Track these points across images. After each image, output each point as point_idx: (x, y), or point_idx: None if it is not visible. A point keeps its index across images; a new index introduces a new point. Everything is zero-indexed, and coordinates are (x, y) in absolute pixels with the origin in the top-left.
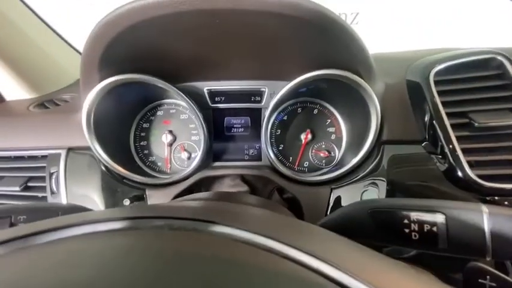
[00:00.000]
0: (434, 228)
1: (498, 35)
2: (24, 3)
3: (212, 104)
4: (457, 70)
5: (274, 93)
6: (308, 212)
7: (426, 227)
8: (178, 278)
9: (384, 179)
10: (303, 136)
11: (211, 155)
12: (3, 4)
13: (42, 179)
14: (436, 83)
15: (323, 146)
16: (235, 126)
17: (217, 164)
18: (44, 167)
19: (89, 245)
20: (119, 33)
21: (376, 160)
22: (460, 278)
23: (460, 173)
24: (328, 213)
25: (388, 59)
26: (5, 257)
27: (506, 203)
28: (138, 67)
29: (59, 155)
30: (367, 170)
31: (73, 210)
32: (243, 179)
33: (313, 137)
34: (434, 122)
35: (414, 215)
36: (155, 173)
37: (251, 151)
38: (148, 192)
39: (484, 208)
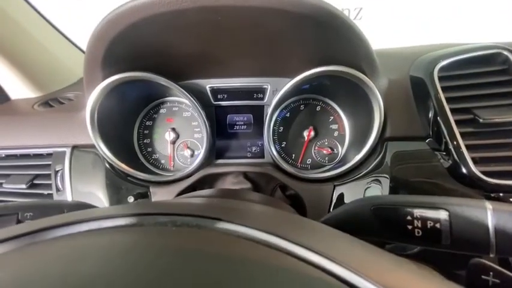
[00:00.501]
0: (438, 225)
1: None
2: (29, 3)
3: (215, 101)
4: (462, 65)
5: (277, 90)
6: (311, 209)
7: (429, 224)
8: (180, 274)
9: (387, 176)
10: (305, 133)
11: (214, 153)
12: (8, 4)
13: (48, 176)
14: (441, 78)
15: (326, 143)
16: (237, 123)
17: (220, 161)
18: (50, 164)
19: (94, 241)
20: (120, 32)
21: (380, 157)
22: (464, 275)
23: (464, 170)
24: (330, 210)
25: (391, 54)
26: (14, 252)
27: (511, 199)
28: (141, 65)
29: (64, 153)
30: (370, 167)
31: (78, 207)
32: (246, 176)
33: (316, 134)
34: (438, 118)
35: (417, 212)
36: (159, 170)
37: (254, 148)
38: (152, 189)
39: (488, 205)
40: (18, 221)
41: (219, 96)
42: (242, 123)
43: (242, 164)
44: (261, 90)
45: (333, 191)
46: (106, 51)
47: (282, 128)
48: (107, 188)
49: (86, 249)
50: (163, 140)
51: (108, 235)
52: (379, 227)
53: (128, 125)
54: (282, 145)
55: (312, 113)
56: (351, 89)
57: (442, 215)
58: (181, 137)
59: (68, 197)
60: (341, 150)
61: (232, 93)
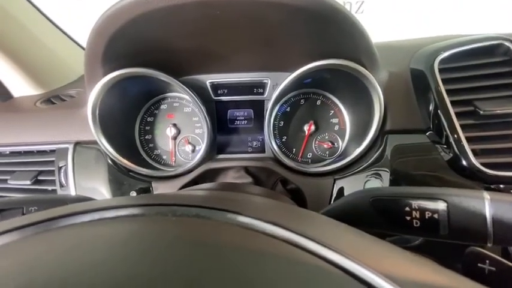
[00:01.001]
0: (436, 216)
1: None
2: (31, 2)
3: (215, 96)
4: (463, 57)
5: (277, 84)
6: (311, 203)
7: (427, 214)
8: (178, 261)
9: (387, 169)
10: (306, 127)
11: (215, 148)
12: (10, 3)
13: (52, 172)
14: (441, 70)
15: (326, 137)
16: (238, 118)
17: (221, 156)
18: (53, 161)
19: (97, 231)
20: (120, 27)
21: (380, 150)
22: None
23: (464, 162)
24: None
25: (392, 47)
26: (20, 242)
27: (511, 191)
28: (141, 61)
29: (67, 149)
30: (371, 160)
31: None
32: (247, 170)
33: (317, 128)
34: (438, 111)
35: (415, 203)
36: (160, 165)
37: (254, 143)
38: (154, 184)
39: (486, 195)
40: (23, 215)
41: (219, 92)
42: (243, 118)
43: (243, 159)
44: (261, 85)
45: (333, 185)
46: (106, 47)
47: (282, 122)
48: (109, 183)
49: (89, 238)
50: (165, 135)
51: (109, 225)
52: (378, 218)
53: (129, 121)
54: (283, 139)
55: (312, 107)
56: (351, 82)
57: (440, 205)
58: (182, 133)
59: (72, 192)
60: (341, 144)
61: (233, 88)
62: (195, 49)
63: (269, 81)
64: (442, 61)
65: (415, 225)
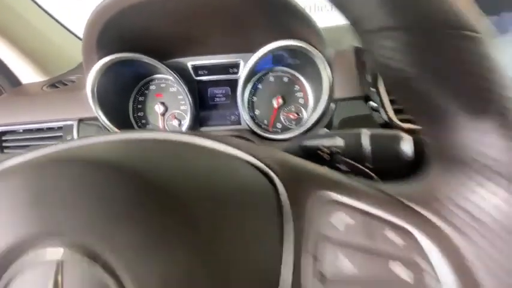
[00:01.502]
0: (335, 149)
1: None
2: (35, 2)
3: (196, 76)
4: None
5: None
6: None
7: (332, 149)
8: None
9: None
10: (275, 101)
11: (198, 122)
12: (19, 5)
13: None
14: None
15: (293, 109)
16: (217, 95)
17: (203, 129)
18: (61, 136)
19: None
20: (110, 18)
21: (330, 117)
22: None
23: (387, 119)
24: None
25: (340, 29)
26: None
27: None
28: (130, 47)
29: (72, 125)
30: (323, 126)
31: None
32: None
33: (284, 101)
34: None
35: (319, 142)
36: None
37: (232, 117)
38: None
39: (367, 131)
40: None
41: (199, 72)
42: (221, 95)
43: (223, 131)
44: (235, 65)
45: None
46: (99, 36)
47: (255, 98)
48: None
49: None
50: (155, 112)
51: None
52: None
53: (123, 100)
54: (256, 113)
55: (280, 83)
56: (306, 60)
57: (339, 141)
58: (169, 110)
59: None
60: (305, 115)
61: (211, 69)
62: (177, 35)
63: (241, 62)
64: None
65: (326, 158)
